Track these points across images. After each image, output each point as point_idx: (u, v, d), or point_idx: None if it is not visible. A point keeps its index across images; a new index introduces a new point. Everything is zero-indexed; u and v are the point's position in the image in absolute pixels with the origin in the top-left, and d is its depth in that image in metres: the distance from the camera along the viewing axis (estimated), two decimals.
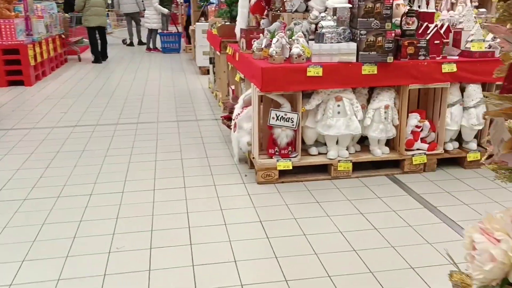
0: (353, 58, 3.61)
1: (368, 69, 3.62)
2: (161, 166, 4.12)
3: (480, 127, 3.93)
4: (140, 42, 13.88)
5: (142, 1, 12.72)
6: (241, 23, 4.41)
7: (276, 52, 3.56)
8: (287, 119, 3.66)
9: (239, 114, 3.99)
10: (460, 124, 3.93)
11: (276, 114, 3.66)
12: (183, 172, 3.98)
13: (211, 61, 6.84)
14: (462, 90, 3.94)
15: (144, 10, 12.57)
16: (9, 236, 2.96)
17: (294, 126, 3.66)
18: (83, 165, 4.19)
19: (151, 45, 12.53)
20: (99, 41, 10.82)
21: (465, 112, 3.92)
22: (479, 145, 4.05)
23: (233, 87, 5.11)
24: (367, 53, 3.58)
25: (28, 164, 4.23)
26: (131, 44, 13.89)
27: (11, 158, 4.41)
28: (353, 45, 3.58)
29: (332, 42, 3.61)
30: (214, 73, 6.71)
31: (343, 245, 2.80)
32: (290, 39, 3.70)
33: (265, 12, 4.85)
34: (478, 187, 3.65)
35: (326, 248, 2.76)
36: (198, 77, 8.77)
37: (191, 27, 10.86)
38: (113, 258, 2.68)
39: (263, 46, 3.80)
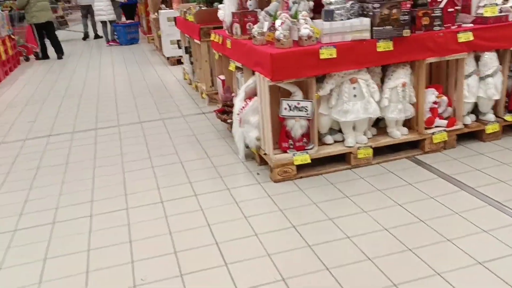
0: (367, 35, 3.29)
1: (384, 46, 3.32)
2: (161, 173, 3.71)
3: (499, 97, 3.72)
4: (97, 36, 13.11)
5: None
6: (230, 6, 3.99)
7: (284, 36, 3.19)
8: (301, 108, 3.32)
9: (243, 107, 3.61)
10: (477, 95, 3.72)
11: (288, 104, 3.31)
12: (187, 177, 3.59)
13: (187, 50, 6.36)
14: (476, 59, 3.71)
15: None
16: (7, 280, 2.50)
17: (309, 115, 3.33)
18: (71, 180, 3.72)
19: (109, 37, 11.83)
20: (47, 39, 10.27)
21: (482, 82, 3.69)
22: (496, 115, 3.86)
23: (222, 77, 4.70)
24: (382, 28, 3.27)
25: (7, 186, 3.72)
26: (87, 36, 13.15)
27: None
28: (366, 21, 3.27)
29: (342, 19, 3.28)
30: (191, 63, 6.25)
31: (395, 244, 2.52)
32: (294, 20, 3.34)
33: None
34: (505, 160, 3.45)
35: (378, 251, 2.46)
36: (168, 69, 8.26)
37: (152, 16, 10.24)
38: None
39: (265, 29, 3.43)
